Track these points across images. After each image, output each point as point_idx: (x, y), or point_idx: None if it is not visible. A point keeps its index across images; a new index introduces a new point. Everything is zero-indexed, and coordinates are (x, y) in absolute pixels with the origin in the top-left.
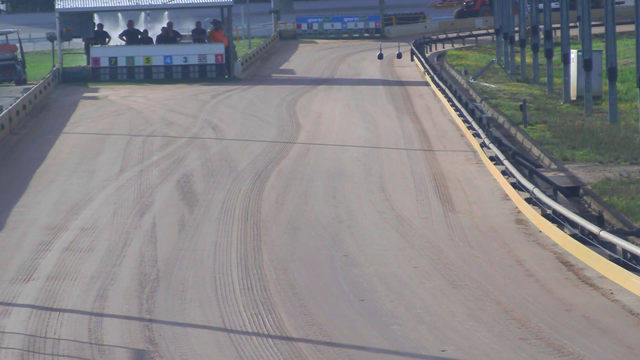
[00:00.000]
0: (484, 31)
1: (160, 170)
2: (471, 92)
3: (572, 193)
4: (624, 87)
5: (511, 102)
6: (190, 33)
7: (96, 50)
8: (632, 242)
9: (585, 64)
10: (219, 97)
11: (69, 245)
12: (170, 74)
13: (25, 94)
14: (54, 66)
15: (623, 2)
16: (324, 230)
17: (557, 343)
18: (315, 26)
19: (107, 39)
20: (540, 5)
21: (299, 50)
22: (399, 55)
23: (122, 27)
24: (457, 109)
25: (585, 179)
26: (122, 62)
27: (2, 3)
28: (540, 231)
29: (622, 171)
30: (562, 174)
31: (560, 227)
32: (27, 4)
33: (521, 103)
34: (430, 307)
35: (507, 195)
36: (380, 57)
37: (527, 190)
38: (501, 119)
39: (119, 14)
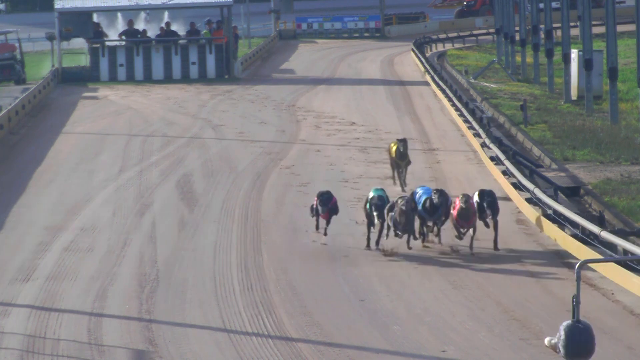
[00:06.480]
0: (485, 31)
1: (160, 170)
2: (472, 91)
3: (573, 193)
4: (624, 87)
5: (512, 102)
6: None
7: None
8: (633, 243)
9: (586, 64)
10: (219, 97)
11: (68, 246)
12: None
13: (24, 94)
14: (53, 66)
15: (624, 2)
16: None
17: None
18: (315, 26)
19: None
20: (541, 5)
21: (299, 50)
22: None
23: (122, 26)
24: (457, 109)
25: (585, 179)
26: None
27: (2, 3)
28: (541, 231)
29: (623, 171)
30: (562, 174)
31: (561, 227)
32: (26, 4)
33: (522, 103)
34: (430, 308)
35: (507, 195)
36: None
37: (527, 190)
38: (502, 119)
39: (119, 14)
